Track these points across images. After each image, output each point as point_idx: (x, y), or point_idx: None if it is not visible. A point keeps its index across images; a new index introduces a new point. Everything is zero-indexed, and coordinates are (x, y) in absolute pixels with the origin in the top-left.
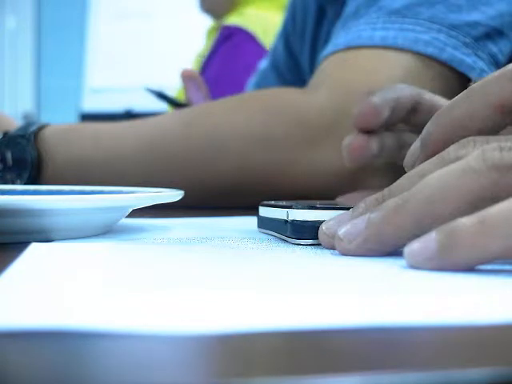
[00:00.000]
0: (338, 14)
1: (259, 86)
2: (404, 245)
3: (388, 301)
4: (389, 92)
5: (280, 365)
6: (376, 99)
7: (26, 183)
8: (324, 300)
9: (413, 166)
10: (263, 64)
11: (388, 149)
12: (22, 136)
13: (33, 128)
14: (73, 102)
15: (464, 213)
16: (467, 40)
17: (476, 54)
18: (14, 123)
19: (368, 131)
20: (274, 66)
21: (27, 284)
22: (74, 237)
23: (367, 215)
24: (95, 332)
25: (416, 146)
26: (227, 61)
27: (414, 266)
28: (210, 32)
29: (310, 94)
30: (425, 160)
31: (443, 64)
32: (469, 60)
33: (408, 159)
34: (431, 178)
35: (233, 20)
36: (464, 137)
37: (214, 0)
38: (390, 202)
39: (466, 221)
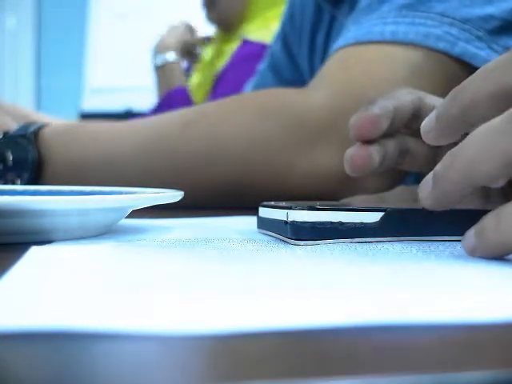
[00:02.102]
0: (333, 18)
1: (258, 87)
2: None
3: (387, 300)
4: (389, 101)
5: (279, 366)
6: (375, 110)
7: (26, 183)
8: (323, 301)
9: (428, 133)
10: (262, 65)
11: (390, 157)
12: (23, 136)
13: (33, 128)
14: (73, 101)
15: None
16: (480, 33)
17: (490, 47)
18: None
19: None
20: (272, 66)
21: (28, 286)
22: (74, 237)
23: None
24: (96, 333)
25: (432, 117)
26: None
27: (469, 255)
28: (218, 39)
29: (307, 94)
30: (439, 133)
31: (455, 59)
32: (483, 53)
33: (425, 127)
34: (472, 138)
35: (258, 35)
36: (471, 123)
37: (225, 10)
38: (444, 159)
39: (488, 219)
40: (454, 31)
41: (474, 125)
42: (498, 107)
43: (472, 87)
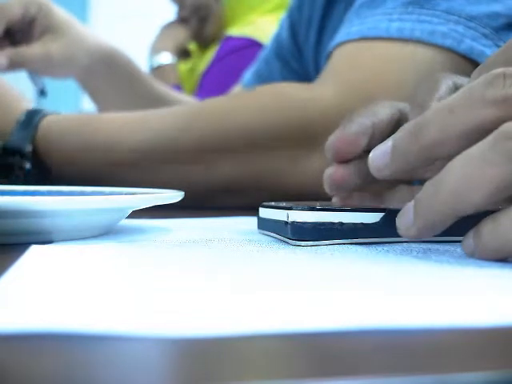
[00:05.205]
0: (347, 6)
1: (260, 74)
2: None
3: (387, 302)
4: (367, 117)
5: (280, 367)
6: (352, 128)
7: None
8: (324, 302)
9: (382, 171)
10: (264, 54)
11: (370, 174)
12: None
13: (40, 115)
14: (73, 101)
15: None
16: (486, 31)
17: (497, 45)
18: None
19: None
20: (278, 53)
21: (27, 286)
22: (74, 238)
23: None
24: (95, 334)
25: (385, 152)
26: (237, 72)
27: (470, 257)
28: (195, 54)
29: (314, 92)
30: (396, 170)
31: (461, 56)
32: (489, 51)
33: (376, 161)
34: (454, 167)
35: (240, 32)
36: (435, 159)
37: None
38: (423, 190)
39: (485, 223)
40: (460, 28)
41: (437, 160)
42: (468, 144)
43: (436, 126)
